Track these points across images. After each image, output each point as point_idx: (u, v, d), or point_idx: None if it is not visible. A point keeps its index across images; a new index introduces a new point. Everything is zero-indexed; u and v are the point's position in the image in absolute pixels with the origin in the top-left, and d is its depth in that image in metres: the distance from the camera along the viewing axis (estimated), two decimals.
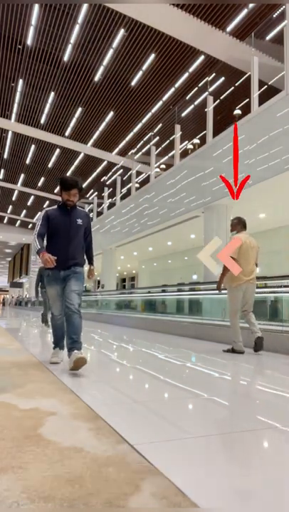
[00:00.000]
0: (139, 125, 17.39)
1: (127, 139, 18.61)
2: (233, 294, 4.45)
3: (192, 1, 10.45)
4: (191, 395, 2.51)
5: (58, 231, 3.33)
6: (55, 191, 28.49)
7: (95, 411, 1.90)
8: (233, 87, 12.41)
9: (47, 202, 31.19)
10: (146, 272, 23.47)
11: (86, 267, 3.64)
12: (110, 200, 19.61)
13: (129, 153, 18.49)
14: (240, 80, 11.58)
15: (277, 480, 1.25)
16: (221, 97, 12.39)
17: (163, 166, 15.35)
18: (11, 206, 34.86)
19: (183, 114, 14.63)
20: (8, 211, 36.33)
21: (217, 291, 4.75)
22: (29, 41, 12.95)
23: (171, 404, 2.26)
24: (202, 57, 12.77)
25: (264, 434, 1.72)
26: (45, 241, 3.36)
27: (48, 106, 17.02)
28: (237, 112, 11.18)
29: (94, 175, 23.45)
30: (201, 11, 10.93)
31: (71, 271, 3.33)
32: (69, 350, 3.07)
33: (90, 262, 3.68)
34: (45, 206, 33.43)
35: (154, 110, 16.17)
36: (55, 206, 3.47)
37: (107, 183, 20.21)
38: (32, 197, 30.72)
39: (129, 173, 17.36)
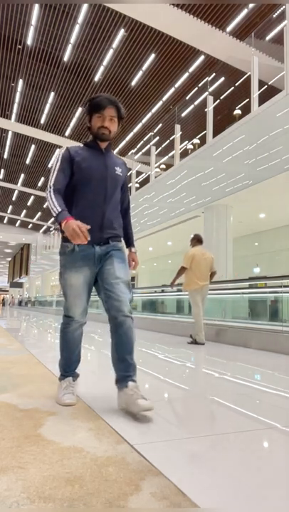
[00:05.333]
0: (139, 125, 17.40)
1: (127, 138, 18.61)
2: (193, 297, 5.41)
3: (192, 1, 10.46)
4: (192, 394, 2.51)
5: (87, 182, 2.07)
6: None
7: (95, 411, 1.90)
8: (233, 87, 12.42)
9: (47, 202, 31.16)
10: (146, 272, 23.47)
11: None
12: None
13: (129, 153, 18.50)
14: (240, 80, 11.59)
15: (277, 480, 1.25)
16: (221, 97, 12.40)
17: (163, 166, 15.36)
18: (11, 206, 34.87)
19: (183, 114, 14.64)
20: (8, 211, 36.35)
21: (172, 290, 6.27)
22: (29, 41, 12.96)
23: (171, 404, 2.26)
24: (202, 57, 12.78)
25: (265, 434, 1.72)
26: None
27: (48, 106, 17.03)
28: (237, 111, 11.18)
29: None
30: (201, 11, 10.94)
31: (111, 246, 2.10)
32: (121, 381, 1.93)
33: (130, 243, 2.34)
34: (45, 206, 33.57)
35: (154, 110, 16.18)
36: (80, 145, 2.18)
37: None
38: (32, 197, 30.73)
39: (129, 173, 17.36)
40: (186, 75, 13.74)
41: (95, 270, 2.08)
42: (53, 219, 2.41)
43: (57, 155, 2.11)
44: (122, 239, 2.21)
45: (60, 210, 1.90)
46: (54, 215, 1.91)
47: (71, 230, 1.80)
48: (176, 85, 14.36)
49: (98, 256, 2.07)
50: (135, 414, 1.80)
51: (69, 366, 2.17)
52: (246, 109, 9.69)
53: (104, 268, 2.06)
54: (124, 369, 1.94)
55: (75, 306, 2.09)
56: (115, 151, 19.76)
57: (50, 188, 2.00)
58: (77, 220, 1.87)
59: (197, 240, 5.64)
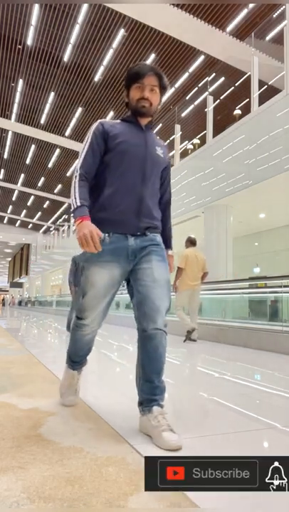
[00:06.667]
0: None
1: None
2: (180, 294, 5.60)
3: (192, 1, 10.46)
4: (192, 394, 2.51)
5: (123, 159, 1.73)
6: (56, 191, 28.50)
7: (95, 411, 1.90)
8: (233, 87, 12.42)
9: (47, 202, 31.21)
10: None
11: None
12: None
13: None
14: (240, 80, 11.59)
15: None
16: (221, 97, 12.40)
17: None
18: (11, 206, 34.88)
19: (183, 114, 14.64)
20: (8, 211, 36.36)
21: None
22: (29, 41, 12.96)
23: (171, 404, 2.26)
24: (202, 57, 12.79)
25: (265, 434, 1.72)
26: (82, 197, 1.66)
27: (48, 106, 17.03)
28: (237, 111, 11.18)
29: None
30: (201, 11, 10.94)
31: (149, 240, 1.73)
32: (144, 404, 1.64)
33: (167, 244, 1.93)
34: (45, 206, 33.59)
35: None
36: (118, 120, 1.87)
37: None
38: (32, 197, 30.74)
39: None
40: (186, 75, 13.75)
41: (128, 268, 1.71)
42: (72, 208, 1.65)
43: (91, 129, 1.79)
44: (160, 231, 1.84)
45: (79, 204, 1.62)
46: (72, 207, 1.64)
47: (82, 234, 1.54)
48: (176, 85, 14.37)
49: (132, 250, 1.68)
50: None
51: (76, 358, 2.00)
52: (246, 109, 9.69)
53: (139, 267, 1.70)
54: (149, 391, 1.64)
55: (91, 310, 1.74)
56: None
57: (77, 172, 1.71)
58: (108, 205, 1.65)
59: (190, 242, 5.91)
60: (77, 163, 1.74)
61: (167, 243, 1.93)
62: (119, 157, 1.72)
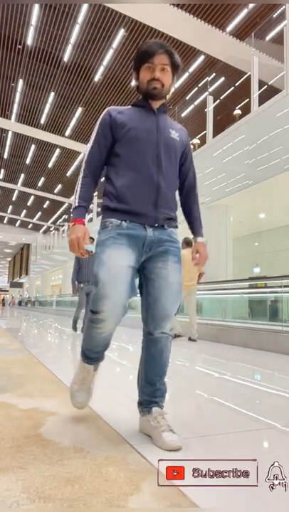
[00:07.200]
0: None
1: None
2: None
3: (192, 1, 10.46)
4: (192, 394, 2.51)
5: (134, 146, 1.61)
6: (56, 191, 28.49)
7: (95, 411, 1.90)
8: (233, 87, 12.41)
9: (47, 202, 31.21)
10: None
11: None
12: None
13: None
14: (240, 80, 11.58)
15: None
16: (221, 97, 12.40)
17: None
18: (11, 206, 34.89)
19: (183, 114, 14.63)
20: (8, 211, 36.37)
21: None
22: (29, 41, 12.96)
23: (171, 404, 2.26)
24: (202, 57, 12.79)
25: (265, 434, 1.72)
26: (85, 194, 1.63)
27: (48, 106, 17.04)
28: (237, 111, 11.18)
29: None
30: (201, 11, 10.95)
31: (167, 235, 1.63)
32: (144, 405, 1.64)
33: (196, 231, 1.79)
34: (45, 206, 33.60)
35: None
36: (128, 106, 1.73)
37: None
38: (32, 197, 30.74)
39: None
40: (186, 75, 13.74)
41: (140, 259, 1.58)
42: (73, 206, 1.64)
43: (99, 119, 1.68)
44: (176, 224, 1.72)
45: (77, 205, 1.60)
46: (72, 206, 1.62)
47: (71, 238, 1.54)
48: (176, 85, 14.32)
49: (149, 242, 1.58)
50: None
51: (92, 354, 1.69)
52: (246, 109, 9.69)
53: (154, 265, 1.60)
54: (149, 393, 1.63)
55: (107, 299, 1.48)
56: None
57: (82, 167, 1.66)
58: (123, 196, 1.57)
59: (186, 243, 5.91)
60: (84, 157, 1.68)
61: (196, 229, 1.79)
62: (130, 145, 1.61)
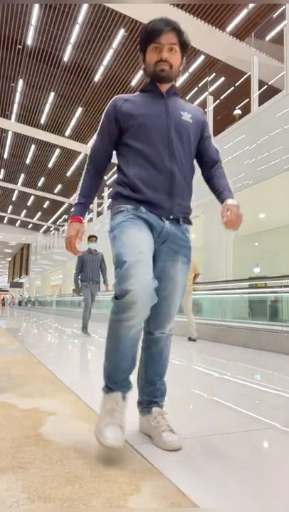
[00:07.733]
0: None
1: None
2: None
3: (192, 1, 10.46)
4: (192, 394, 2.51)
5: (142, 133, 1.53)
6: (56, 191, 28.49)
7: (95, 411, 1.90)
8: (233, 87, 12.42)
9: (47, 202, 31.22)
10: None
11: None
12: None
13: None
14: (240, 80, 11.59)
15: (278, 480, 1.25)
16: (221, 97, 12.40)
17: None
18: (11, 206, 34.90)
19: None
20: (8, 211, 36.38)
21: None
22: (29, 41, 12.97)
23: (171, 404, 2.26)
24: (202, 57, 12.79)
25: (265, 434, 1.72)
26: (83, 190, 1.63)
27: (48, 106, 17.04)
28: (237, 111, 11.18)
29: None
30: (201, 11, 10.95)
31: (181, 233, 1.58)
32: (144, 405, 1.61)
33: (225, 195, 1.65)
34: (45, 206, 33.63)
35: None
36: (136, 93, 1.67)
37: (108, 183, 20.23)
38: (32, 197, 30.75)
39: None
40: (186, 75, 13.74)
41: (153, 246, 1.51)
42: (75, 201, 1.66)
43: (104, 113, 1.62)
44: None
45: (77, 201, 1.59)
46: (73, 202, 1.63)
47: (67, 236, 1.57)
48: (176, 85, 14.37)
49: (165, 234, 1.52)
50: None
51: (118, 374, 1.43)
52: (246, 109, 9.70)
53: (163, 264, 1.53)
54: (149, 393, 1.60)
55: (135, 276, 1.32)
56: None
57: (87, 161, 1.63)
58: (136, 186, 1.50)
59: None
60: (89, 151, 1.65)
61: (224, 193, 1.65)
62: (138, 133, 1.53)
